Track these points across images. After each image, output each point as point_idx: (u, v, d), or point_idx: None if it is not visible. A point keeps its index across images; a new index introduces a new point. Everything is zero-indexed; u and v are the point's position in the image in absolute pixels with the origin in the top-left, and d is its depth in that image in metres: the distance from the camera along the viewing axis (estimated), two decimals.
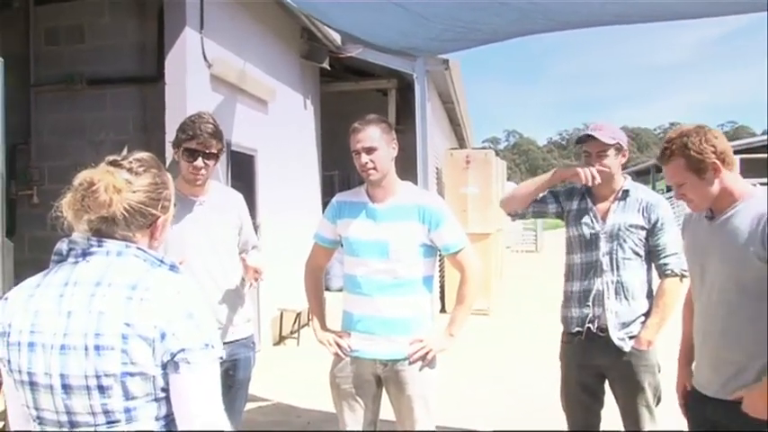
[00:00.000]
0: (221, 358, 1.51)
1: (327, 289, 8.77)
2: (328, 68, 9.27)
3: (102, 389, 1.41)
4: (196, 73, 5.69)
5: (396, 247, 2.82)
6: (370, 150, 2.80)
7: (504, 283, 12.65)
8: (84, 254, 1.51)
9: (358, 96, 10.59)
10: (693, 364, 2.52)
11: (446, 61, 9.18)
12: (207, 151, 2.83)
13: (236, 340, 2.91)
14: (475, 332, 7.72)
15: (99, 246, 1.51)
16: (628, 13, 3.72)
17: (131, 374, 1.41)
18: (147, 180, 1.55)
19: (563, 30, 4.13)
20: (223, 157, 6.21)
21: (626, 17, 3.88)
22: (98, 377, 1.41)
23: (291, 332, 8.07)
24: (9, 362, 1.48)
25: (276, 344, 7.86)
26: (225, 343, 2.83)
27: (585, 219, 3.18)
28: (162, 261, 1.56)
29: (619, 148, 3.13)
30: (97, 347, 1.41)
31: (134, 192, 1.51)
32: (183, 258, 2.62)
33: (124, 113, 5.88)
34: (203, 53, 5.75)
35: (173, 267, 1.58)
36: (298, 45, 8.64)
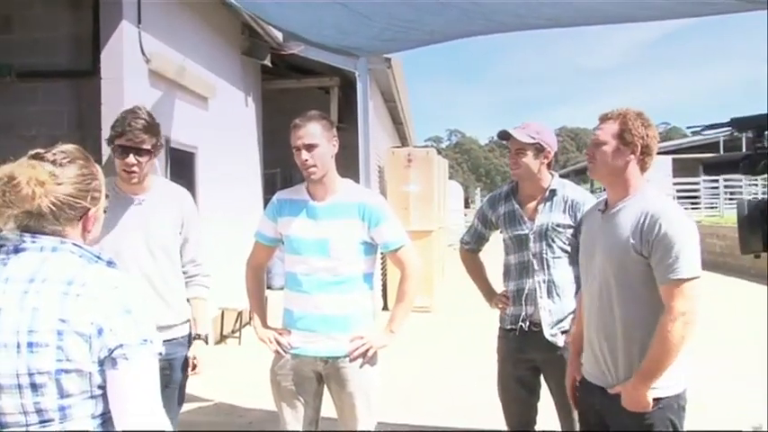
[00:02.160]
0: (160, 354, 1.50)
1: (269, 287, 8.68)
2: (270, 65, 9.19)
3: (34, 387, 1.38)
4: (134, 68, 5.55)
5: (336, 245, 2.82)
6: (310, 147, 2.79)
7: (447, 280, 12.77)
8: (17, 250, 1.47)
9: (300, 94, 10.54)
10: (582, 355, 2.63)
11: (388, 60, 9.20)
12: (139, 147, 2.72)
13: (173, 339, 2.86)
14: (417, 329, 7.78)
15: (33, 242, 1.47)
16: (562, 15, 3.80)
17: (66, 371, 1.38)
18: (73, 171, 1.51)
19: (501, 32, 4.20)
20: (162, 155, 6.16)
21: (561, 20, 3.97)
22: (31, 375, 1.37)
23: (233, 331, 7.99)
24: None
25: (217, 343, 7.75)
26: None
27: (514, 221, 3.26)
28: (99, 257, 1.54)
29: (539, 149, 3.17)
30: (30, 344, 1.38)
31: (60, 184, 1.48)
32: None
33: (58, 108, 5.69)
34: (141, 47, 5.61)
35: (110, 263, 1.56)
36: (239, 41, 8.54)
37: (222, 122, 7.89)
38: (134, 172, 2.76)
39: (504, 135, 3.24)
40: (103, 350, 1.40)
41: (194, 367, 2.96)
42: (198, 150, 7.13)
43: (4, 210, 1.44)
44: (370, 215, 2.85)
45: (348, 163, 8.68)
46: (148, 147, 2.77)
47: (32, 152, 1.52)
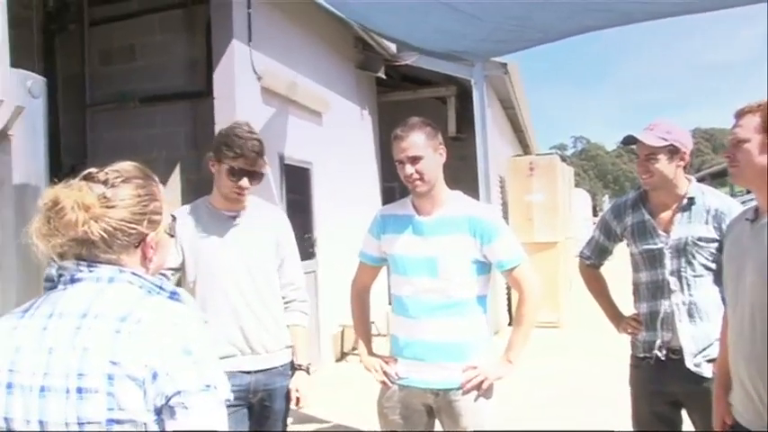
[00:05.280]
0: (228, 401, 1.30)
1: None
2: (384, 77, 9.11)
3: None
4: (245, 86, 5.59)
5: (445, 264, 2.55)
6: (415, 160, 2.55)
7: (575, 294, 12.18)
8: (73, 280, 1.33)
9: (416, 105, 10.36)
10: (731, 393, 2.21)
11: (504, 65, 8.86)
12: (254, 171, 2.67)
13: (272, 368, 2.71)
14: (543, 346, 7.37)
15: (90, 271, 1.32)
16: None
17: (119, 422, 1.21)
18: (126, 192, 1.35)
19: (622, 24, 3.77)
20: (277, 171, 6.18)
21: (691, 5, 3.52)
22: (80, 425, 1.22)
23: (353, 348, 7.89)
24: None
25: (338, 360, 7.70)
26: (259, 371, 2.65)
27: (644, 234, 2.86)
28: (161, 287, 1.37)
29: (673, 150, 2.77)
30: (79, 390, 1.22)
31: (110, 207, 1.32)
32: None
33: (175, 130, 5.84)
34: (252, 65, 5.65)
35: (173, 295, 1.38)
36: (352, 55, 8.51)
37: (337, 137, 7.85)
38: (245, 194, 2.71)
39: (630, 140, 2.84)
40: (160, 397, 1.22)
41: (297, 402, 2.78)
42: (313, 166, 7.11)
43: (50, 238, 1.29)
44: (482, 230, 2.57)
45: (468, 174, 8.44)
46: (261, 170, 2.72)
47: (85, 172, 1.38)
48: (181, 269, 2.68)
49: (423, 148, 2.56)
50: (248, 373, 2.63)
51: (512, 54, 6.65)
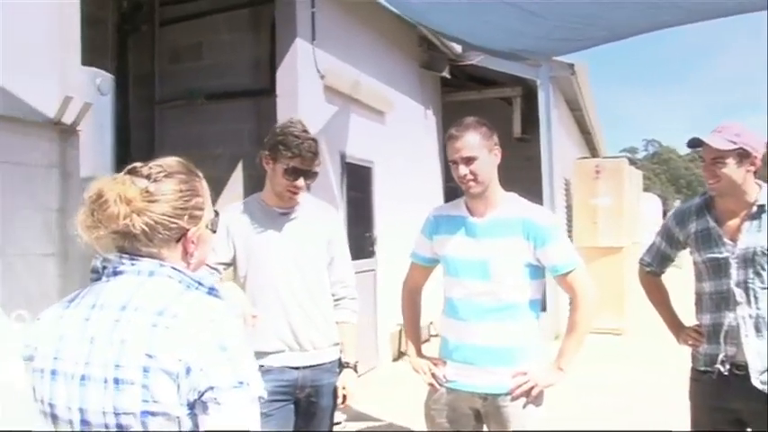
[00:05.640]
0: (261, 398, 1.30)
1: None
2: (449, 77, 9.05)
3: (120, 428, 1.24)
4: (308, 84, 5.65)
5: (498, 267, 2.51)
6: (469, 161, 2.51)
7: (641, 301, 11.82)
8: (115, 272, 1.36)
9: (482, 106, 10.25)
10: None
11: (571, 66, 8.66)
12: (309, 170, 2.70)
13: (320, 365, 2.72)
14: (605, 354, 7.19)
15: (132, 264, 1.35)
16: None
17: (153, 414, 1.23)
18: (169, 187, 1.36)
19: (691, 22, 3.60)
20: (338, 169, 6.22)
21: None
22: (116, 414, 1.24)
23: None
24: (34, 390, 1.34)
25: (395, 359, 7.69)
26: (307, 367, 2.67)
27: (709, 242, 2.73)
28: (200, 282, 1.38)
29: (743, 154, 2.61)
30: (116, 381, 1.24)
31: (152, 201, 1.33)
32: (257, 314, 2.47)
33: (240, 126, 5.97)
34: (315, 64, 5.70)
35: (212, 290, 1.39)
36: (416, 54, 8.49)
37: (400, 136, 7.85)
38: (298, 193, 2.73)
39: (696, 143, 2.70)
40: (193, 392, 1.23)
41: (344, 399, 2.78)
42: (374, 165, 7.12)
43: (93, 230, 1.32)
44: (535, 234, 2.51)
45: (533, 175, 8.30)
46: (316, 170, 2.74)
47: (130, 166, 1.40)
48: (232, 264, 2.72)
49: (477, 148, 2.51)
50: (296, 368, 2.65)
51: (579, 53, 6.50)
